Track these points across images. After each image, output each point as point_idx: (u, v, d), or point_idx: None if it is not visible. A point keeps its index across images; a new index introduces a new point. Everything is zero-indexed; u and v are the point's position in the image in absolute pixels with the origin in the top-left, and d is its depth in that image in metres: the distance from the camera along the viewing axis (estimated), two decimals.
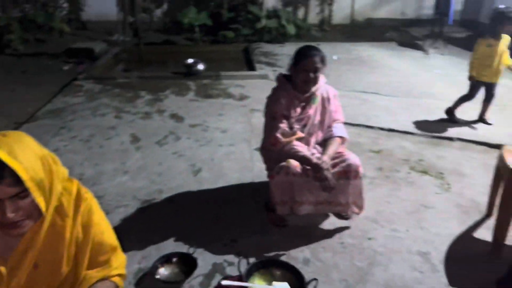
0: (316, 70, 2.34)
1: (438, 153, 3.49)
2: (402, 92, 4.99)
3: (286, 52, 6.70)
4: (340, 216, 2.59)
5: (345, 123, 3.90)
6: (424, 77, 5.65)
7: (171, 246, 2.31)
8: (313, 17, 9.21)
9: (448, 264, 2.24)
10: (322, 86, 2.52)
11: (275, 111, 2.43)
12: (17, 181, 1.06)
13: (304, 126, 2.48)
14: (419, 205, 2.77)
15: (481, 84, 3.94)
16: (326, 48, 7.20)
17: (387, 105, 4.55)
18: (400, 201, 2.81)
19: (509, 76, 5.59)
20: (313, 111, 2.49)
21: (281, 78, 2.53)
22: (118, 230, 2.40)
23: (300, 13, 9.14)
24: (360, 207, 2.49)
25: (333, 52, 6.96)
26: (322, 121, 2.53)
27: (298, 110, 2.47)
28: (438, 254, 2.31)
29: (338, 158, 2.43)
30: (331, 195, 2.39)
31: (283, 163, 2.32)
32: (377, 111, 4.39)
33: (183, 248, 2.28)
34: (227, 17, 7.99)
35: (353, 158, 2.41)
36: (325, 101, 2.52)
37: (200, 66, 5.56)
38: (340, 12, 9.35)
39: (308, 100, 2.48)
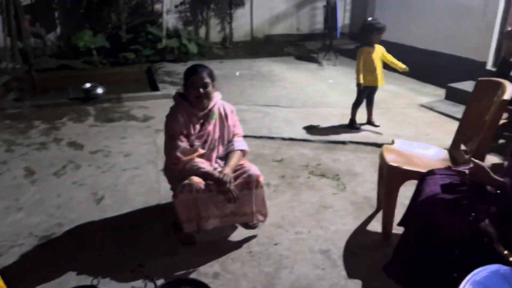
0: (205, 85, 2.43)
1: (334, 156, 3.78)
2: (300, 103, 5.31)
3: None
4: (247, 225, 2.67)
5: (250, 136, 4.12)
6: (319, 87, 6.07)
7: (73, 280, 2.20)
8: (215, 36, 9.39)
9: (346, 258, 2.43)
10: (219, 102, 2.61)
11: (173, 129, 2.46)
12: None
13: (205, 142, 2.55)
14: (319, 206, 2.97)
15: (367, 89, 4.35)
16: (229, 64, 7.52)
17: (287, 116, 4.80)
18: (302, 205, 2.99)
19: (391, 81, 6.26)
20: (212, 127, 2.56)
21: (177, 97, 2.57)
22: (13, 271, 2.27)
23: (202, 32, 9.27)
24: (265, 215, 2.60)
25: (235, 68, 7.19)
26: (221, 136, 2.61)
27: (197, 127, 2.53)
28: (337, 250, 2.50)
29: (239, 170, 2.52)
30: (236, 206, 2.47)
31: (186, 181, 2.35)
32: (278, 122, 4.61)
33: (87, 281, 2.18)
34: (126, 38, 7.82)
35: (253, 169, 2.53)
36: (223, 117, 2.61)
37: (99, 90, 5.37)
38: (241, 29, 9.66)
39: (206, 117, 2.55)
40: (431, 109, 5.04)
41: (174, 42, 7.69)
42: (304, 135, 4.26)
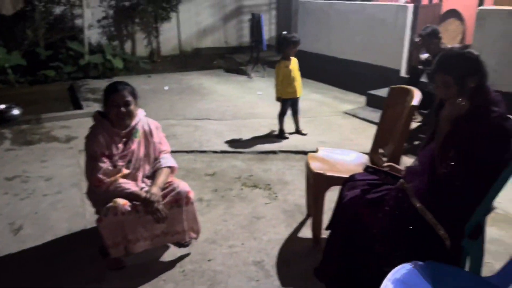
0: (126, 104, 2.36)
1: (265, 166, 3.84)
2: (231, 115, 5.35)
3: None
4: (179, 244, 2.62)
5: (180, 151, 4.08)
6: (248, 99, 6.16)
7: None
8: (142, 50, 9.20)
9: (279, 267, 2.47)
10: (143, 120, 2.54)
11: (94, 150, 2.35)
12: None
13: (129, 162, 2.46)
14: (251, 218, 2.99)
15: (289, 101, 4.50)
16: (157, 79, 7.39)
17: (218, 129, 4.81)
18: (235, 217, 2.99)
19: (317, 91, 6.52)
20: (136, 145, 2.48)
21: (97, 116, 2.47)
22: None
23: (128, 46, 9.03)
24: (197, 232, 2.56)
25: (164, 83, 7.08)
26: (147, 154, 2.54)
27: (120, 146, 2.44)
28: (271, 260, 2.53)
29: (168, 188, 2.47)
30: (167, 226, 2.41)
31: (110, 204, 2.25)
32: (209, 135, 4.60)
33: None
34: (45, 55, 7.39)
35: (182, 185, 2.48)
36: (147, 134, 2.54)
37: (16, 111, 5.01)
38: (168, 43, 9.56)
39: (129, 135, 2.46)
40: (353, 115, 5.32)
41: (97, 58, 7.41)
42: (235, 147, 4.29)
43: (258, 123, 5.06)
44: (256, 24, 7.68)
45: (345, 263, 2.10)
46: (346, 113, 5.46)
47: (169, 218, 2.37)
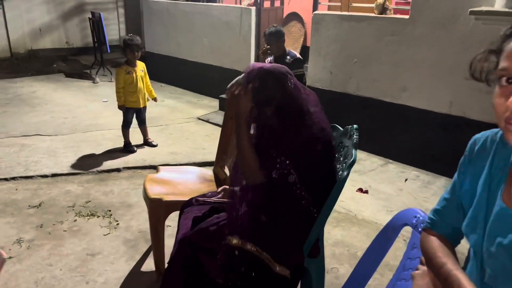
0: None
1: (106, 188, 3.38)
2: (68, 129, 4.69)
3: None
4: None
5: None
6: (91, 108, 5.52)
7: None
8: None
9: None
10: None
11: None
12: None
13: None
14: (85, 256, 2.54)
15: (132, 110, 4.08)
16: None
17: (51, 147, 4.14)
18: (64, 258, 2.51)
19: (169, 96, 6.20)
20: None
21: None
22: None
23: None
24: None
25: None
26: None
27: None
28: None
29: None
30: None
31: None
32: (38, 156, 3.91)
33: None
34: None
35: None
36: None
37: None
38: None
39: None
40: (207, 121, 5.14)
41: None
42: (71, 167, 3.71)
43: (101, 135, 4.52)
44: (97, 24, 6.96)
45: None
46: (199, 118, 5.25)
47: None
